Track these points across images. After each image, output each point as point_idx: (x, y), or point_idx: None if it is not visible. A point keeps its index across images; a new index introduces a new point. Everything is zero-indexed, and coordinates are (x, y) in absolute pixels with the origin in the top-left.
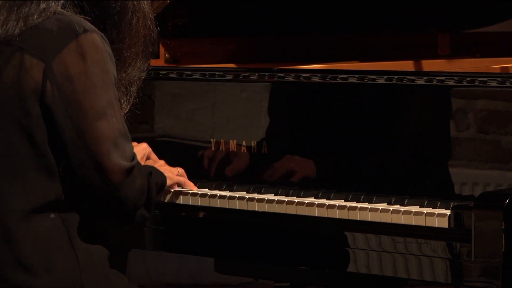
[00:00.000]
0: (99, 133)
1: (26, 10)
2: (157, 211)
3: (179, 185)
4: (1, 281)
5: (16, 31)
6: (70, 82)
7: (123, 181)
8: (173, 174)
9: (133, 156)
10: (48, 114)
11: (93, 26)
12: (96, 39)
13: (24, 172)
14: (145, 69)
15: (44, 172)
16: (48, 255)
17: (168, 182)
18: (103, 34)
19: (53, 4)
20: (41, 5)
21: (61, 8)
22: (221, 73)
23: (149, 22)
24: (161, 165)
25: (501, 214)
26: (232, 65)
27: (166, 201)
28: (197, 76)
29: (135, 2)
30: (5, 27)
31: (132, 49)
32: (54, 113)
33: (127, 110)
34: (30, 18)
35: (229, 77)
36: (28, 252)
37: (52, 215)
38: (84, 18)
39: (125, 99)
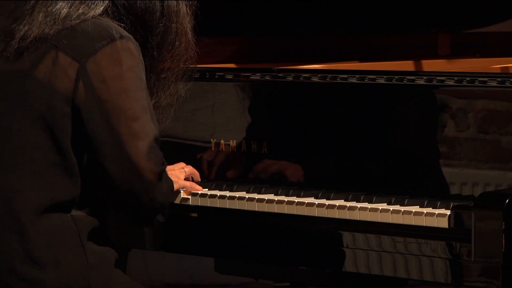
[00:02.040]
0: (135, 135)
1: (64, 12)
2: None
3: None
4: (10, 273)
5: (52, 30)
6: (105, 85)
7: (155, 183)
8: (179, 178)
9: (164, 161)
10: (78, 114)
11: (129, 34)
12: (131, 47)
13: (43, 168)
14: (184, 93)
15: (63, 171)
16: (58, 251)
17: (175, 186)
18: (137, 44)
19: (92, 11)
20: (80, 9)
21: (100, 14)
22: (221, 73)
23: (190, 48)
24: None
25: (501, 214)
26: (232, 65)
27: None
28: (197, 76)
29: (179, 25)
30: (42, 27)
31: (172, 70)
32: (86, 113)
33: (162, 129)
34: (67, 19)
35: (229, 77)
36: (38, 246)
37: (66, 214)
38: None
39: (161, 119)
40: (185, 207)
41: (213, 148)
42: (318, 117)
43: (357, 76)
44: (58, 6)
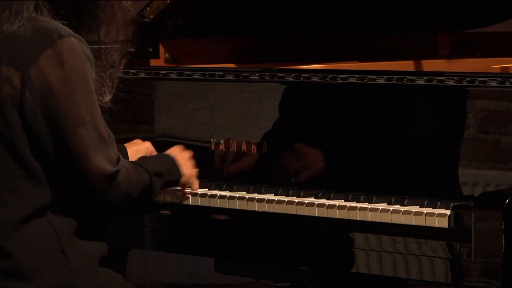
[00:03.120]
0: (79, 139)
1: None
2: (157, 211)
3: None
4: None
5: None
6: (50, 90)
7: (106, 187)
8: (191, 171)
9: (117, 160)
10: (29, 122)
11: (69, 30)
12: (73, 44)
13: (10, 182)
14: (126, 51)
15: (30, 180)
16: (39, 261)
17: (183, 179)
18: (80, 37)
19: (25, 7)
20: (12, 11)
21: (34, 9)
22: (221, 73)
23: (124, 3)
24: (184, 158)
25: (501, 214)
26: (232, 65)
27: (166, 201)
28: (197, 76)
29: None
30: None
31: (110, 34)
32: (34, 121)
33: (112, 97)
34: (4, 26)
35: (229, 77)
36: (19, 260)
37: (41, 221)
38: (59, 21)
39: (109, 85)
40: (185, 207)
41: (213, 148)
42: (318, 117)
43: (357, 76)
44: None
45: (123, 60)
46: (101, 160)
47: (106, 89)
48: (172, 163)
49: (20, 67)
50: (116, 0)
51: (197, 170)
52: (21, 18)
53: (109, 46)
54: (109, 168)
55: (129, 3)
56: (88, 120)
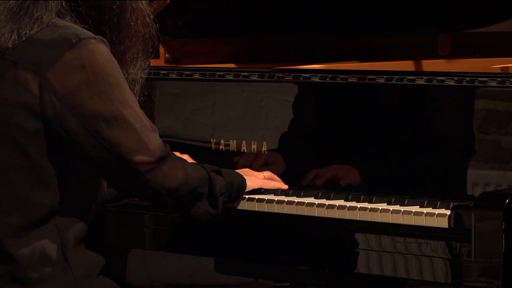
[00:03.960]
0: (118, 134)
1: (19, 22)
2: (157, 211)
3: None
4: None
5: (9, 44)
6: (74, 93)
7: (151, 169)
8: (258, 179)
9: (162, 148)
10: (52, 125)
11: (88, 32)
12: (93, 45)
13: (18, 187)
14: (147, 66)
15: (39, 185)
16: (43, 269)
17: (252, 184)
18: (101, 37)
19: (47, 13)
20: (34, 15)
21: (57, 15)
22: (221, 73)
23: (147, 19)
24: (243, 171)
25: (501, 214)
26: (232, 65)
27: None
28: (197, 76)
29: (133, 2)
30: None
31: (133, 49)
32: (61, 124)
33: None
34: (23, 30)
35: (229, 77)
36: (22, 267)
37: (47, 227)
38: (79, 25)
39: None
40: None
41: (213, 148)
42: (318, 117)
43: (357, 76)
44: (11, 16)
45: (143, 75)
46: (143, 150)
47: None
48: (227, 169)
49: (38, 71)
50: (140, 16)
51: (265, 175)
52: (41, 24)
53: (130, 61)
54: (149, 158)
55: (152, 18)
56: (127, 114)
